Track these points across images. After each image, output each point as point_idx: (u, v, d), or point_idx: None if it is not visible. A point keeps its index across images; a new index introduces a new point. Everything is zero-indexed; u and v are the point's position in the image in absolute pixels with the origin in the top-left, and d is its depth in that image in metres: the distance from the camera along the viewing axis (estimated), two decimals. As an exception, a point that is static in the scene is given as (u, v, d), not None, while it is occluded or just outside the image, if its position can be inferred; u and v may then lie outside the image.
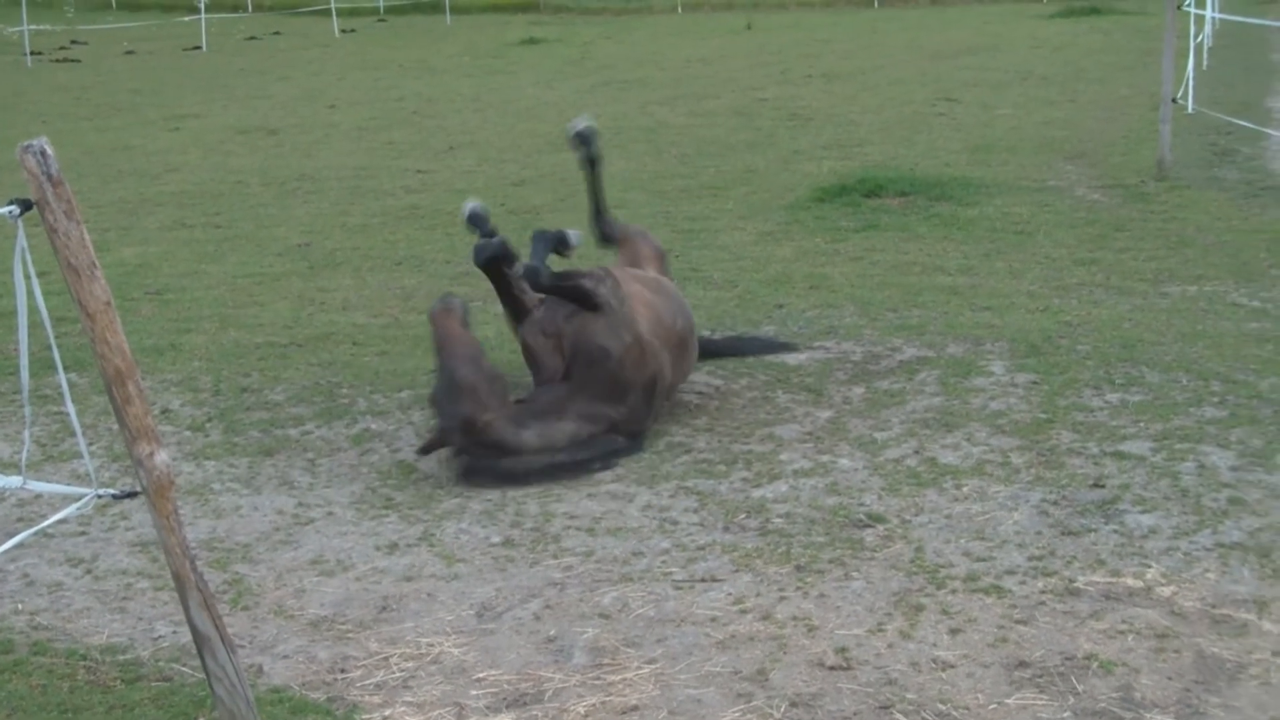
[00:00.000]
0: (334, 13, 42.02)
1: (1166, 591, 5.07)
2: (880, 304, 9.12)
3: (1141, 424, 6.76)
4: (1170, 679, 4.50)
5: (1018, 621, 4.90)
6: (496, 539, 5.79)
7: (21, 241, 3.66)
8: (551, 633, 4.98)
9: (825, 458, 6.53)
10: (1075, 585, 5.14)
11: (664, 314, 7.08)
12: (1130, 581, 5.15)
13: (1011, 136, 16.14)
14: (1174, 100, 13.57)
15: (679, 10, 45.12)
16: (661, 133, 17.70)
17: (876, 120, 18.02)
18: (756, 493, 6.15)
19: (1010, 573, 5.26)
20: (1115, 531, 5.57)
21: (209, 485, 6.52)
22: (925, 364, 7.87)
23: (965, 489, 6.08)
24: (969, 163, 14.35)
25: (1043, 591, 5.11)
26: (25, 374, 3.94)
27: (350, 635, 5.02)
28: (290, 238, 12.03)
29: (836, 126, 17.61)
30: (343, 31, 40.30)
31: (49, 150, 3.56)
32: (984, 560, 5.37)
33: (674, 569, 5.44)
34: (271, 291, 10.14)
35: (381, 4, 48.60)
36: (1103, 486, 6.02)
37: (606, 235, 8.23)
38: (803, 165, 14.68)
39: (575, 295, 6.73)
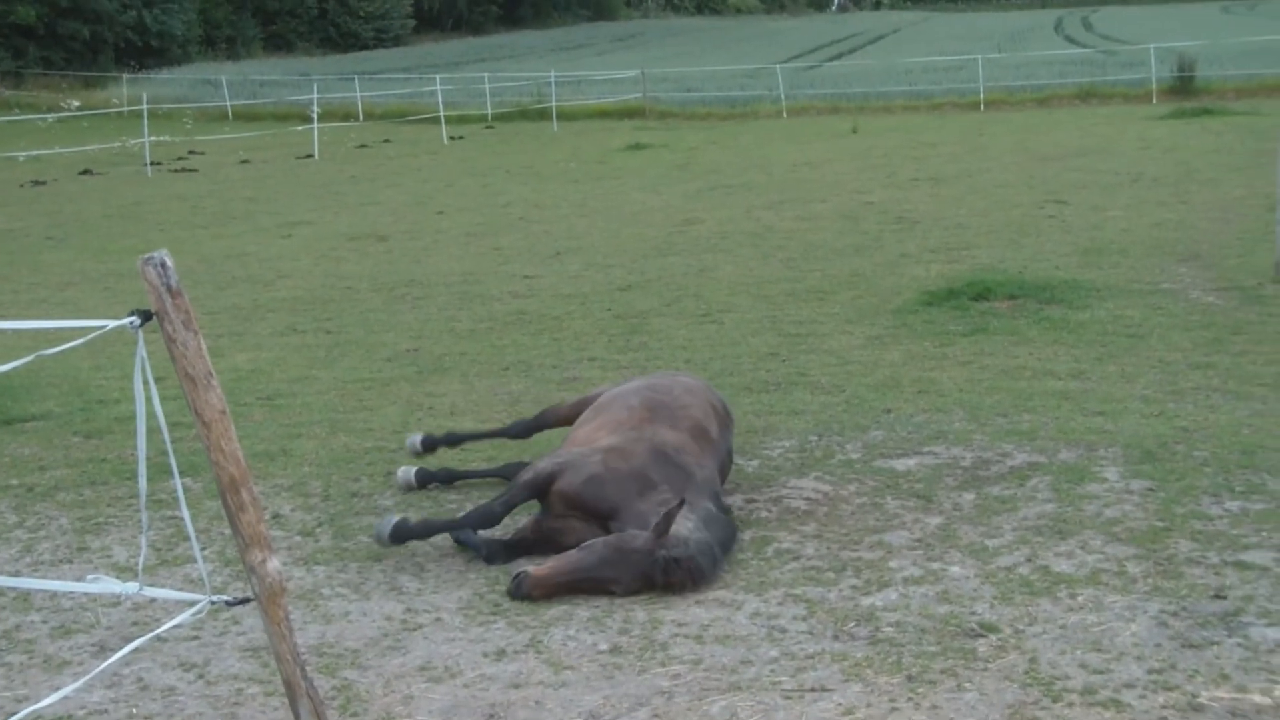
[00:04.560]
0: (443, 120, 42.90)
1: (1295, 708, 4.91)
2: (990, 409, 9.02)
3: (1264, 533, 6.58)
4: (1301, 800, 4.34)
5: (1139, 738, 4.76)
6: (604, 646, 5.75)
7: (141, 351, 3.74)
8: (659, 743, 4.93)
9: (936, 565, 6.43)
10: (1198, 701, 4.98)
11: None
12: (1258, 698, 4.98)
13: (1122, 239, 15.99)
14: (1289, 201, 13.36)
15: (784, 115, 45.50)
16: (767, 237, 17.77)
17: (984, 223, 17.96)
18: (866, 600, 6.06)
19: (1129, 686, 5.12)
20: (1240, 645, 5.41)
21: (319, 590, 6.56)
22: (1037, 470, 7.74)
23: (1080, 598, 5.95)
24: (1079, 265, 14.22)
25: (1164, 706, 4.96)
26: (144, 482, 4.00)
27: (457, 744, 5.00)
28: (399, 343, 12.19)
29: (944, 230, 17.56)
30: (451, 138, 41.10)
31: (169, 262, 3.64)
32: (1101, 673, 5.24)
33: (783, 678, 5.36)
34: (381, 397, 10.25)
35: (489, 111, 49.54)
36: (1225, 598, 5.85)
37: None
38: (910, 269, 14.64)
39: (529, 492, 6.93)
